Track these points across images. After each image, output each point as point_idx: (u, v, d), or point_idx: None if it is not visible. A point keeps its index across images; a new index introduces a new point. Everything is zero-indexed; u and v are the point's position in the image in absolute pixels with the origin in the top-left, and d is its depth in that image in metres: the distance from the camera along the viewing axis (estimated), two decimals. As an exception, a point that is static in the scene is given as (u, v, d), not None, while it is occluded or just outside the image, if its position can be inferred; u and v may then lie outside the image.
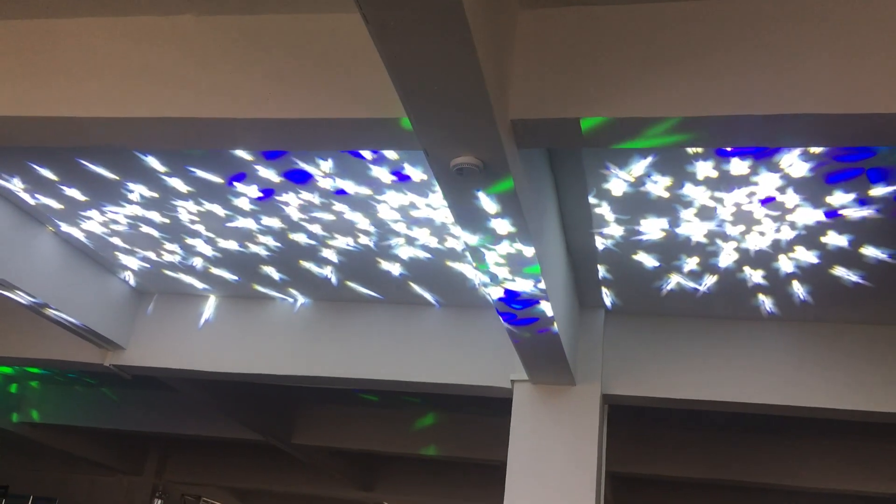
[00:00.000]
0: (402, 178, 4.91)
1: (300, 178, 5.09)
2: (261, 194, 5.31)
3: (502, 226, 3.94)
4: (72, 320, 6.49)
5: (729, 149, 4.19)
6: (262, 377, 7.10)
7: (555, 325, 5.11)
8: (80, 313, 6.53)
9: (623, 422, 8.89)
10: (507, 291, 4.70)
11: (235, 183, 5.20)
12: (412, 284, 6.49)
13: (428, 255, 5.93)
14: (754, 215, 4.84)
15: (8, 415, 10.80)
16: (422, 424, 10.36)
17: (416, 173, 4.84)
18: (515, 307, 4.88)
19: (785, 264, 5.37)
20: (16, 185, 5.62)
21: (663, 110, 3.17)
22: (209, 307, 7.19)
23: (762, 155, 4.29)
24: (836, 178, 4.46)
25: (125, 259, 6.65)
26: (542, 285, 4.58)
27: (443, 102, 2.97)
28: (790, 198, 4.63)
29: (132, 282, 7.08)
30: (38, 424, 10.96)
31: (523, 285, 4.59)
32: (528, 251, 4.18)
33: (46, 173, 5.39)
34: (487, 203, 3.72)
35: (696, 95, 3.18)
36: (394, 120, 3.48)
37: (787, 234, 5.01)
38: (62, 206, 5.84)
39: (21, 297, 6.14)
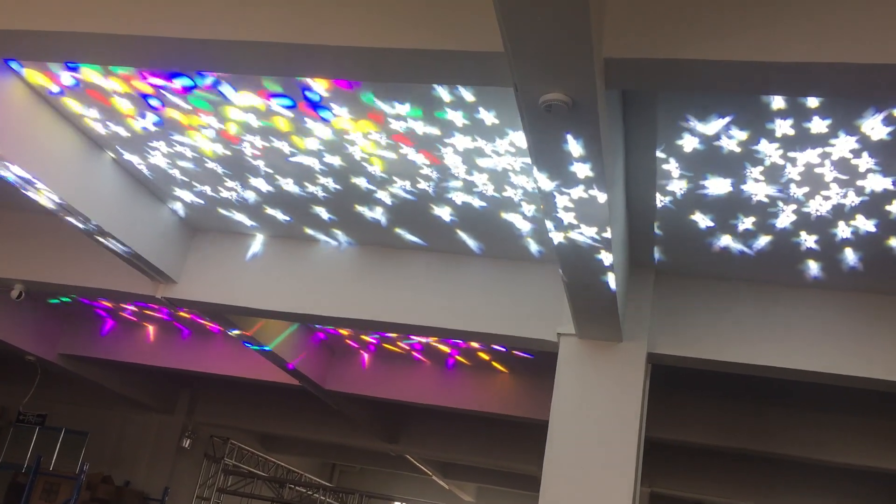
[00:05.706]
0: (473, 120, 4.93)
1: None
2: (330, 132, 5.34)
3: (581, 170, 3.95)
4: (126, 248, 6.59)
5: (815, 106, 4.18)
6: (307, 317, 7.20)
7: (612, 277, 5.14)
8: (135, 241, 6.62)
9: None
10: (570, 238, 4.73)
11: (306, 119, 5.23)
12: (459, 232, 6.51)
13: (483, 204, 5.96)
14: (824, 178, 4.82)
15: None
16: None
17: (488, 117, 4.86)
18: (576, 255, 4.90)
19: (842, 230, 5.36)
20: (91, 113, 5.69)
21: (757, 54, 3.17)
22: (257, 244, 7.27)
23: (844, 115, 4.26)
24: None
25: (180, 192, 6.71)
26: (606, 234, 4.60)
27: (543, 32, 2.98)
28: (863, 161, 4.61)
29: (183, 215, 7.15)
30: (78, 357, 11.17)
31: (588, 233, 4.62)
32: (601, 198, 4.20)
33: (123, 103, 5.45)
34: (572, 144, 3.74)
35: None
36: (485, 54, 3.49)
37: (851, 199, 5.00)
38: (129, 135, 5.91)
39: (79, 222, 6.24)
